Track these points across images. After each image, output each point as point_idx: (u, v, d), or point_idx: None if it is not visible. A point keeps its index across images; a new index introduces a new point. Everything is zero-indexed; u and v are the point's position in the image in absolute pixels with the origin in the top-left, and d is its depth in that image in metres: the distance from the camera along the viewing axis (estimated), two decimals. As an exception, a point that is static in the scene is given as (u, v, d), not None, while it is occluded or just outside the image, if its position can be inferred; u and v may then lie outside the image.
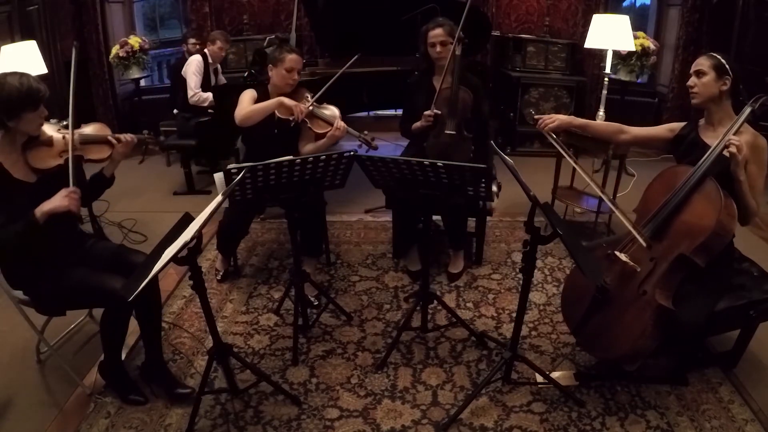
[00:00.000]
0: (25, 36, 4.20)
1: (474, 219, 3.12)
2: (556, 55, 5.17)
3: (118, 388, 2.19)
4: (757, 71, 4.17)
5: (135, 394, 2.17)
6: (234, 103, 2.81)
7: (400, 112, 3.50)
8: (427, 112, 2.86)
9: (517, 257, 3.29)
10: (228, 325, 2.67)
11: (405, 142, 3.34)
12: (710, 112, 2.16)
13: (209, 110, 4.33)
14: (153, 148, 2.46)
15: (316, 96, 2.83)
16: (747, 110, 2.02)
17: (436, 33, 2.86)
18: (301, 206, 2.65)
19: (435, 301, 2.58)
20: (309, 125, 2.80)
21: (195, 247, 1.76)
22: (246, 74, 4.15)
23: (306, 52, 5.49)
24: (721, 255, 2.04)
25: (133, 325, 2.15)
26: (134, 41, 5.03)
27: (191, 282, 1.85)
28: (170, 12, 7.37)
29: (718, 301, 2.09)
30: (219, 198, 1.80)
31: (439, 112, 2.87)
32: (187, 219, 1.82)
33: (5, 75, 1.85)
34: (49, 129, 2.07)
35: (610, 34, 3.63)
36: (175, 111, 4.66)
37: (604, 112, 3.65)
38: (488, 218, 3.17)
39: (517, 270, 2.81)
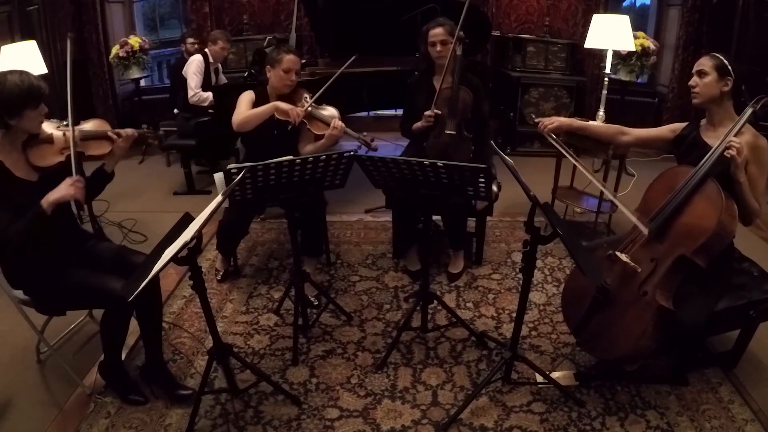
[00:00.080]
0: (25, 36, 4.21)
1: (474, 219, 3.12)
2: (556, 55, 5.18)
3: (118, 388, 2.19)
4: (757, 71, 4.17)
5: (135, 394, 2.17)
6: (234, 104, 2.81)
7: (400, 112, 3.50)
8: (427, 113, 2.86)
9: (517, 257, 3.29)
10: (228, 325, 2.67)
11: (405, 142, 3.34)
12: (711, 113, 2.15)
13: (209, 110, 4.33)
14: (153, 142, 2.47)
15: (315, 97, 2.82)
16: (748, 111, 2.02)
17: (437, 32, 2.86)
18: (301, 206, 2.66)
19: (435, 301, 2.59)
20: (308, 126, 2.80)
21: (195, 247, 1.76)
22: (246, 74, 4.15)
23: (306, 52, 5.50)
24: (721, 255, 2.04)
25: (133, 325, 2.15)
26: (134, 41, 5.02)
27: (191, 282, 1.85)
28: (170, 12, 7.36)
29: (718, 301, 2.09)
30: (219, 198, 1.80)
31: (440, 112, 2.87)
32: (187, 219, 1.81)
33: (5, 73, 1.85)
34: (49, 127, 2.07)
35: (610, 34, 3.63)
36: (175, 111, 4.66)
37: (604, 112, 3.65)
38: (488, 218, 3.17)
39: (517, 270, 2.81)
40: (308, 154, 2.61)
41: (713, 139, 2.09)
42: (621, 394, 2.21)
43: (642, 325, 1.97)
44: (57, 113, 2.19)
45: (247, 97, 2.81)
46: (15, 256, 1.98)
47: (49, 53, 4.49)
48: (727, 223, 1.96)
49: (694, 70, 2.13)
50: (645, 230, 2.04)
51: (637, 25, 4.76)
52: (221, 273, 3.07)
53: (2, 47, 3.51)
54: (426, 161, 2.07)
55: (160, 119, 4.96)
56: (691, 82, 2.14)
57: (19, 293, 2.10)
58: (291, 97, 2.83)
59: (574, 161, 2.17)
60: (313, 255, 3.05)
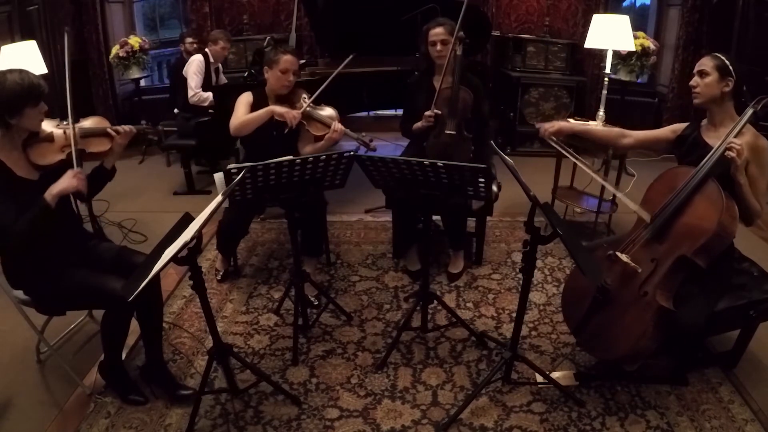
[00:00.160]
0: (25, 36, 4.21)
1: (474, 219, 3.12)
2: (556, 55, 5.18)
3: (118, 388, 2.19)
4: (757, 71, 4.17)
5: (135, 394, 2.17)
6: (234, 104, 2.81)
7: (400, 112, 3.50)
8: (427, 113, 2.86)
9: (517, 257, 3.29)
10: (228, 325, 2.67)
11: (405, 142, 3.34)
12: (712, 113, 2.15)
13: (209, 110, 4.33)
14: (152, 138, 2.47)
15: (313, 97, 2.81)
16: (749, 112, 2.01)
17: (437, 31, 2.86)
18: (301, 206, 2.66)
19: (435, 301, 2.59)
20: (306, 127, 2.79)
21: (195, 247, 1.76)
22: (246, 74, 4.16)
23: (306, 52, 5.50)
24: (721, 255, 2.04)
25: (134, 324, 2.15)
26: (134, 41, 5.02)
27: (191, 282, 1.85)
28: (170, 12, 7.36)
29: (718, 302, 2.09)
30: (219, 198, 1.80)
31: (440, 112, 2.87)
32: (187, 219, 1.81)
33: (5, 72, 1.85)
34: (49, 125, 2.07)
35: (610, 34, 3.63)
36: (175, 111, 4.66)
37: (604, 112, 3.65)
38: (488, 218, 3.17)
39: (517, 270, 2.81)
40: (309, 154, 2.62)
41: (714, 139, 2.09)
42: (621, 394, 2.21)
43: (642, 326, 1.97)
44: (57, 113, 2.19)
45: (245, 99, 2.80)
46: (18, 255, 1.98)
47: (49, 53, 4.48)
48: (728, 223, 1.95)
49: (695, 70, 2.13)
50: (647, 216, 2.04)
51: (637, 25, 4.76)
52: (221, 273, 3.07)
53: (2, 47, 3.51)
54: (426, 161, 2.07)
55: (160, 119, 4.95)
56: (692, 82, 2.13)
57: (20, 293, 2.10)
58: (289, 98, 2.83)
59: (575, 160, 2.18)
60: (313, 255, 3.05)
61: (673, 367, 2.26)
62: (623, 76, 4.72)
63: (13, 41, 3.87)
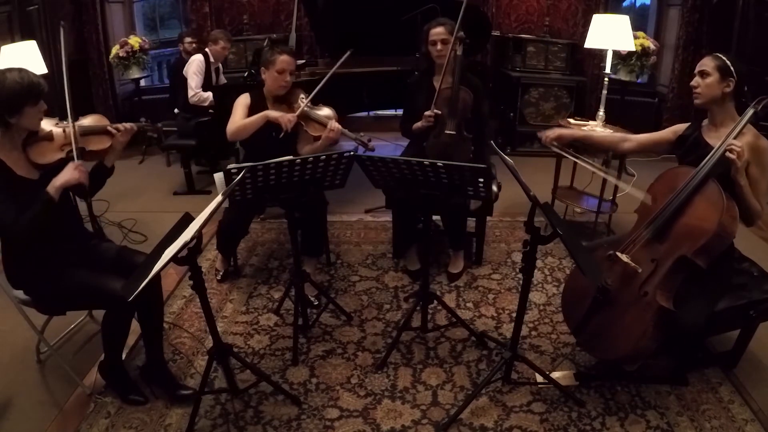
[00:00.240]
0: (25, 36, 4.21)
1: (474, 219, 3.12)
2: (556, 55, 5.18)
3: (118, 388, 2.19)
4: (757, 71, 4.16)
5: (135, 394, 2.17)
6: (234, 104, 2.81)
7: (400, 112, 3.50)
8: (427, 113, 2.86)
9: (517, 257, 3.29)
10: (228, 325, 2.67)
11: (405, 142, 3.34)
12: (713, 113, 2.15)
13: (210, 110, 4.33)
14: (152, 135, 2.46)
15: (310, 96, 2.80)
16: (749, 112, 2.00)
17: (438, 31, 2.86)
18: (301, 206, 2.66)
19: (435, 301, 2.58)
20: (304, 128, 2.79)
21: (195, 247, 1.76)
22: (246, 74, 4.16)
23: (306, 52, 5.50)
24: (721, 255, 2.04)
25: (134, 324, 2.15)
26: (134, 41, 5.03)
27: (191, 282, 1.84)
28: (170, 12, 7.36)
29: (718, 302, 2.09)
30: (219, 198, 1.80)
31: (440, 112, 2.86)
32: (187, 219, 1.81)
33: (4, 71, 1.85)
34: (48, 124, 2.07)
35: (610, 34, 3.63)
36: (175, 111, 4.66)
37: (604, 112, 3.65)
38: (488, 218, 3.17)
39: (517, 270, 2.81)
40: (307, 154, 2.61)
41: (715, 139, 2.09)
42: (621, 394, 2.21)
43: (642, 326, 1.97)
44: (57, 112, 2.19)
45: (242, 102, 2.80)
46: (20, 250, 1.98)
47: (49, 53, 4.48)
48: (728, 224, 1.95)
49: (696, 71, 2.12)
50: (643, 195, 2.04)
51: (637, 25, 4.76)
52: (221, 273, 3.07)
53: (2, 47, 3.51)
54: (426, 161, 2.07)
55: (160, 119, 4.95)
56: (693, 83, 2.13)
57: (20, 293, 2.10)
58: (287, 98, 2.82)
59: (579, 162, 2.18)
60: (313, 255, 3.05)
61: (673, 367, 2.26)
62: (623, 76, 4.72)
63: (13, 41, 3.87)
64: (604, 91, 3.69)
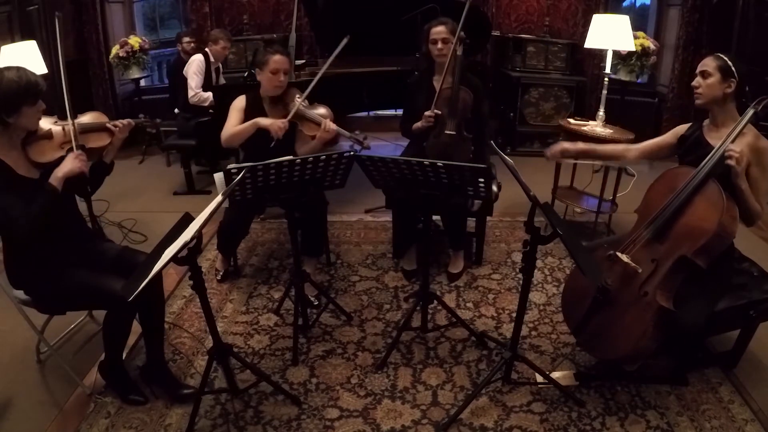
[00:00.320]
0: (25, 36, 4.21)
1: (474, 219, 3.12)
2: (556, 55, 5.18)
3: (118, 388, 2.18)
4: (757, 71, 4.16)
5: (135, 394, 2.17)
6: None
7: (400, 112, 3.50)
8: (427, 113, 2.86)
9: (517, 257, 3.29)
10: (228, 325, 2.67)
11: (405, 142, 3.34)
12: (714, 114, 2.15)
13: (210, 110, 4.33)
14: (151, 131, 2.47)
15: (305, 95, 2.78)
16: (750, 112, 2.00)
17: (439, 30, 2.86)
18: (301, 206, 2.65)
19: (435, 301, 2.58)
20: (300, 127, 2.78)
21: (195, 247, 1.76)
22: (246, 74, 4.16)
23: (306, 52, 5.50)
24: (721, 255, 2.04)
25: (134, 324, 2.14)
26: (134, 41, 5.03)
27: (191, 282, 1.84)
28: (170, 12, 7.36)
29: (718, 302, 2.09)
30: (219, 198, 1.80)
31: (440, 113, 2.86)
32: (187, 219, 1.81)
33: (2, 70, 1.84)
34: (47, 123, 2.07)
35: (610, 34, 3.63)
36: (176, 111, 4.66)
37: (604, 112, 3.65)
38: (488, 218, 3.17)
39: (517, 270, 2.81)
40: (305, 155, 2.60)
41: (716, 139, 2.08)
42: (621, 394, 2.21)
43: (642, 326, 1.97)
44: (56, 111, 2.19)
45: (237, 105, 2.79)
46: (21, 252, 1.98)
47: (49, 53, 4.48)
48: (728, 224, 1.95)
49: (697, 71, 2.12)
50: (639, 167, 2.05)
51: (637, 25, 4.76)
52: (221, 273, 3.07)
53: (2, 47, 3.51)
54: (426, 161, 2.07)
55: (160, 119, 4.95)
56: (694, 83, 2.13)
57: (20, 293, 2.09)
58: (283, 99, 2.81)
59: (585, 162, 2.19)
60: (313, 255, 3.05)
61: (673, 367, 2.26)
62: (623, 76, 4.72)
63: (13, 41, 3.88)
64: (604, 91, 3.69)
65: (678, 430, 2.05)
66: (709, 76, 2.07)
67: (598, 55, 4.90)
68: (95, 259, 2.14)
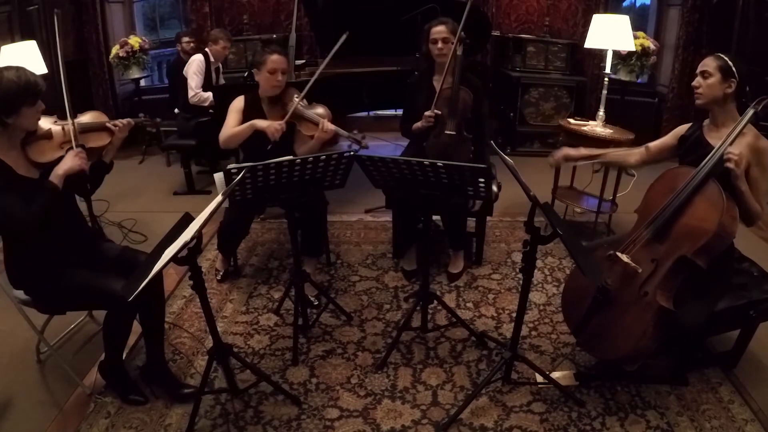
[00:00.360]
0: (25, 36, 4.21)
1: (474, 219, 3.12)
2: (556, 55, 5.18)
3: (118, 388, 2.19)
4: (757, 71, 4.16)
5: (135, 394, 2.17)
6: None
7: (400, 112, 3.50)
8: (427, 113, 2.86)
9: (517, 257, 3.29)
10: (228, 325, 2.67)
11: (405, 142, 3.34)
12: (714, 114, 2.14)
13: (210, 110, 4.33)
14: (150, 129, 2.46)
15: (303, 94, 2.77)
16: (750, 113, 2.00)
17: (439, 29, 2.86)
18: (301, 206, 2.65)
19: (435, 301, 2.58)
20: (298, 127, 2.77)
21: (195, 247, 1.76)
22: (246, 74, 4.16)
23: (306, 52, 5.50)
24: (721, 255, 2.04)
25: (134, 324, 2.14)
26: (134, 41, 5.03)
27: (191, 282, 1.84)
28: (170, 12, 7.36)
29: (718, 302, 2.09)
30: (219, 198, 1.80)
31: (440, 113, 2.86)
32: (187, 219, 1.81)
33: (1, 70, 1.83)
34: (46, 122, 2.07)
35: (610, 34, 3.63)
36: (176, 111, 4.66)
37: (604, 112, 3.65)
38: (488, 218, 3.17)
39: (517, 270, 2.81)
40: (304, 155, 2.60)
41: (716, 139, 2.08)
42: (621, 394, 2.21)
43: (642, 326, 1.97)
44: (56, 112, 2.19)
45: (236, 106, 2.78)
46: (21, 252, 1.98)
47: (48, 53, 4.48)
48: (728, 224, 1.95)
49: (697, 71, 2.11)
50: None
51: (637, 25, 4.76)
52: (221, 273, 3.07)
53: (2, 47, 3.51)
54: (426, 161, 2.07)
55: (160, 119, 4.95)
56: (694, 83, 2.12)
57: (20, 293, 2.09)
58: (281, 98, 2.81)
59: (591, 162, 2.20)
60: (313, 255, 3.04)
61: (673, 367, 2.26)
62: (623, 76, 4.73)
63: (13, 41, 3.88)
64: (604, 91, 3.69)
65: (678, 430, 2.05)
66: (709, 76, 2.06)
67: (598, 55, 4.91)
68: (95, 259, 2.14)
